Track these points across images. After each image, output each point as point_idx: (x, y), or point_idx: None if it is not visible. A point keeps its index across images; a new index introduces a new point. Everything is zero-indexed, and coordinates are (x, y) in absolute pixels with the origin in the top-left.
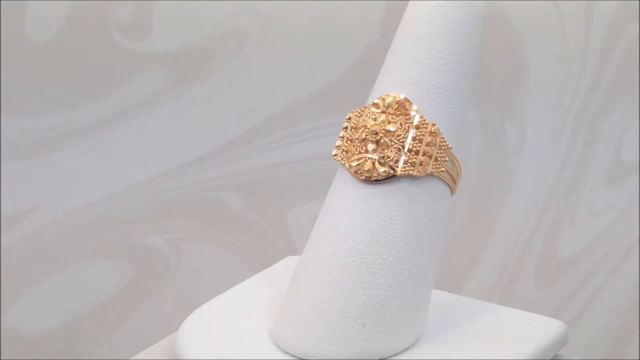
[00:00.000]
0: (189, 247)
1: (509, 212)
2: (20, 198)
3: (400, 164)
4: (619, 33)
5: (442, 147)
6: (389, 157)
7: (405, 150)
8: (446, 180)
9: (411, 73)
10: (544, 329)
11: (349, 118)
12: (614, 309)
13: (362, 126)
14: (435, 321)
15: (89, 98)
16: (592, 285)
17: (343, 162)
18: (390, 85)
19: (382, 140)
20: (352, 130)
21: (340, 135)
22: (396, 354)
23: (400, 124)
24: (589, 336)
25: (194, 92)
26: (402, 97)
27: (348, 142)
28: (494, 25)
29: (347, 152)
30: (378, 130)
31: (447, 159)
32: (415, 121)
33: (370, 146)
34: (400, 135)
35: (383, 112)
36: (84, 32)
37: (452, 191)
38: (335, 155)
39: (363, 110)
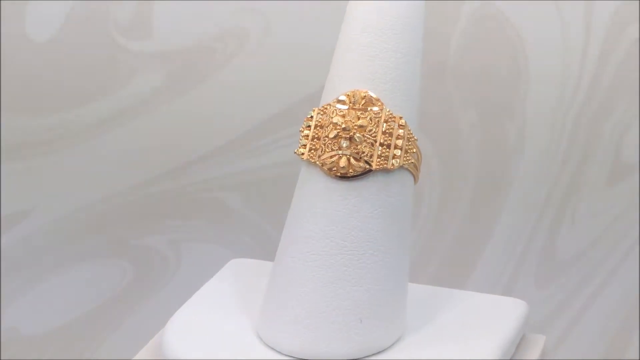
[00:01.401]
0: (189, 247)
1: (509, 212)
2: (20, 198)
3: (375, 158)
4: (619, 33)
5: (410, 139)
6: (363, 152)
7: (378, 144)
8: (412, 171)
9: (369, 68)
10: (513, 311)
11: (311, 117)
12: (614, 310)
13: (330, 123)
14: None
15: (88, 98)
16: (592, 285)
17: (313, 160)
18: (349, 81)
19: (355, 136)
20: (318, 128)
21: (305, 134)
22: (390, 347)
23: (370, 119)
24: (588, 336)
25: (194, 91)
26: (369, 92)
27: (315, 140)
28: (494, 25)
29: (315, 150)
30: (350, 126)
31: (414, 150)
32: (384, 115)
33: (344, 143)
34: (372, 130)
35: (351, 108)
36: (84, 32)
37: (415, 179)
38: (303, 154)
39: (327, 108)
